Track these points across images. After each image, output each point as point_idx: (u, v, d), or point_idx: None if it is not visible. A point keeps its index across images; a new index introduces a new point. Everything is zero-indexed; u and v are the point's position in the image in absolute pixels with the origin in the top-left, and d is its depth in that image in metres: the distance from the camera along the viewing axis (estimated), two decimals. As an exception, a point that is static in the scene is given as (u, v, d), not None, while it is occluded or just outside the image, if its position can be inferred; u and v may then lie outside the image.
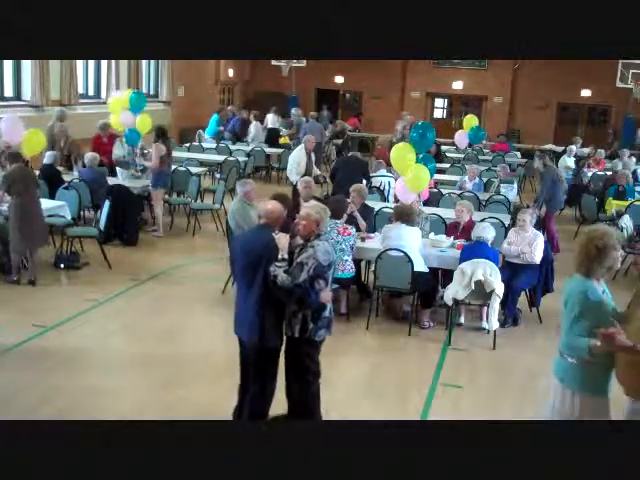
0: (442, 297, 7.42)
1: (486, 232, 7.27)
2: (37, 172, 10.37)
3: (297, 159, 11.18)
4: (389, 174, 11.19)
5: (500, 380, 6.34)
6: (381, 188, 11.02)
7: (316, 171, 11.55)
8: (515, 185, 12.33)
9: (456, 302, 7.22)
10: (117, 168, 11.25)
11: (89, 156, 10.48)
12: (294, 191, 9.78)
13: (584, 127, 23.42)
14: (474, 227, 7.49)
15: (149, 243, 10.27)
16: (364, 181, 10.79)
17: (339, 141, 18.93)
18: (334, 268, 5.06)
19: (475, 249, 7.19)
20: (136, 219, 10.37)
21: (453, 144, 16.57)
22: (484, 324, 7.40)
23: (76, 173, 10.69)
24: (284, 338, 4.95)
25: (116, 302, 7.78)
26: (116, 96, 12.22)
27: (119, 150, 11.47)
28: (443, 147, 17.95)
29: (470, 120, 14.91)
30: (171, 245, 10.27)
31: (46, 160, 10.38)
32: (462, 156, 16.35)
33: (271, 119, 18.46)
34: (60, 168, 10.71)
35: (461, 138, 15.01)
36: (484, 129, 15.24)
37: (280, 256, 4.74)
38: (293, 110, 18.86)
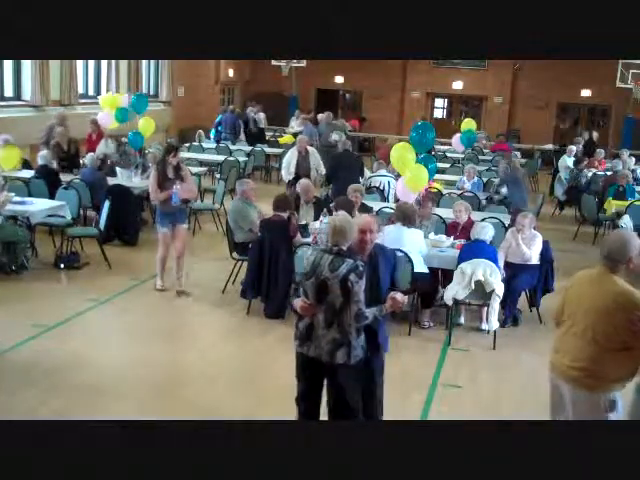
0: (442, 297, 7.41)
1: (485, 232, 7.27)
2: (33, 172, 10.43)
3: (288, 159, 11.61)
4: (389, 174, 11.20)
5: (500, 380, 6.33)
6: (381, 188, 11.03)
7: (321, 171, 11.62)
8: (515, 185, 12.30)
9: (456, 302, 7.22)
10: (117, 168, 11.25)
11: (89, 157, 10.48)
12: (290, 190, 9.96)
13: (584, 127, 23.41)
14: (473, 227, 7.48)
15: (149, 243, 10.24)
16: (361, 179, 10.94)
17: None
18: (306, 281, 4.31)
19: (474, 248, 7.19)
20: (136, 219, 10.37)
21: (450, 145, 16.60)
22: (484, 326, 7.39)
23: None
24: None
25: (116, 302, 7.78)
26: (108, 95, 12.24)
27: (103, 148, 11.46)
28: (442, 147, 17.99)
29: (468, 124, 14.85)
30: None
31: (40, 161, 10.38)
32: (462, 156, 16.34)
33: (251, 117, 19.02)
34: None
35: (458, 142, 15.02)
36: (475, 133, 15.15)
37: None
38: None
